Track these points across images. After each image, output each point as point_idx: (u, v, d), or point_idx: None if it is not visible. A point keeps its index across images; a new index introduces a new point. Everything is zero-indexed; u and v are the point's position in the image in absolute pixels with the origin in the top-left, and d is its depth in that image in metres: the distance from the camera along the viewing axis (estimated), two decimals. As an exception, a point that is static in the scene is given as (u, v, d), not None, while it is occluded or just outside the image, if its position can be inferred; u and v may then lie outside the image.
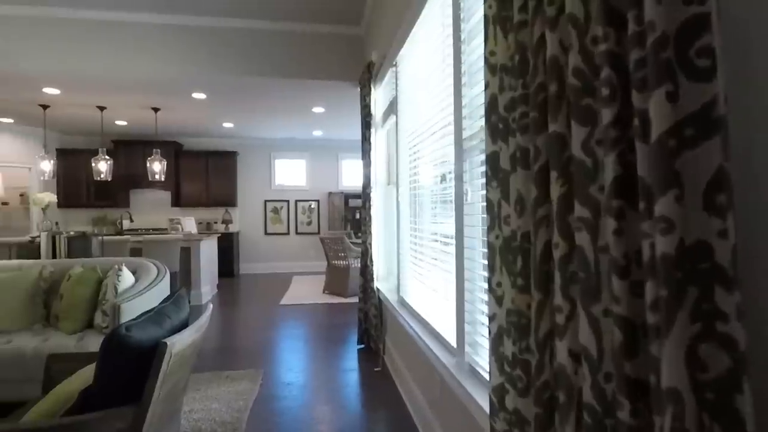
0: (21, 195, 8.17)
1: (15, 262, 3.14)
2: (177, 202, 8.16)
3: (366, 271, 3.86)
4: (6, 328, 2.74)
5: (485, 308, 1.74)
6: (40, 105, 5.74)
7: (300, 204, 8.84)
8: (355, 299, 5.83)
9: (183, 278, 5.77)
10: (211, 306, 1.87)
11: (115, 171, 7.83)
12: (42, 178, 5.85)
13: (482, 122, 1.71)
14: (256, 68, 4.57)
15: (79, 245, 4.17)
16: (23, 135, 7.17)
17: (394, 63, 3.15)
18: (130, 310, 2.62)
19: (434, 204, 2.44)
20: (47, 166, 5.83)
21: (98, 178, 6.00)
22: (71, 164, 7.83)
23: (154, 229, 7.74)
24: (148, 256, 5.32)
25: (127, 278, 2.82)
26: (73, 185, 7.85)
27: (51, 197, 5.85)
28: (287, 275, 8.30)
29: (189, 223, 6.38)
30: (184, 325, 1.66)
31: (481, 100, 1.69)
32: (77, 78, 4.69)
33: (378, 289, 3.77)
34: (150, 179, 6.01)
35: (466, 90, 1.78)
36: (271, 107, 6.07)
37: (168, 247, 5.47)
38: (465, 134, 1.80)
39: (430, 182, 2.53)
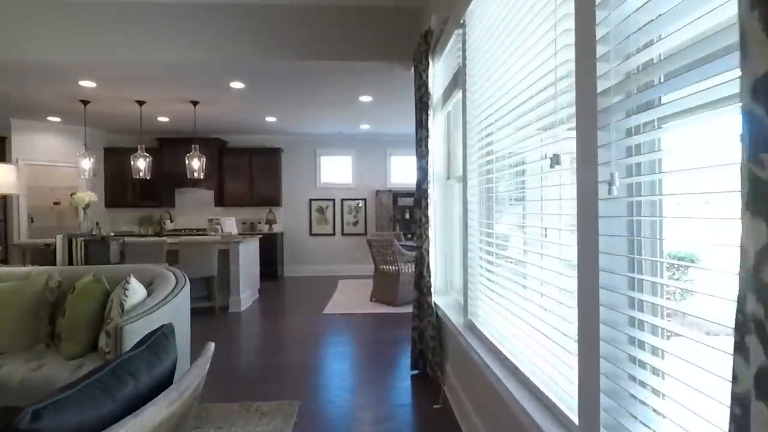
0: (71, 195, 8.22)
1: (24, 269, 2.77)
2: (220, 201, 7.90)
3: (422, 283, 3.20)
4: (4, 349, 2.34)
5: (641, 373, 1.03)
6: (81, 101, 5.57)
7: (346, 203, 8.33)
8: (406, 309, 5.19)
9: (221, 283, 5.38)
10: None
11: (159, 169, 7.69)
12: (83, 176, 5.68)
13: (638, 59, 1.01)
14: (294, 50, 4.04)
15: (98, 249, 3.81)
16: (70, 134, 7.13)
17: (461, 22, 2.47)
18: (137, 332, 2.12)
19: (528, 199, 1.74)
20: (87, 164, 5.65)
21: (137, 176, 5.76)
22: (117, 163, 7.75)
23: (197, 230, 7.51)
24: (185, 259, 4.97)
25: (136, 291, 2.34)
26: (120, 184, 7.78)
27: (92, 196, 5.66)
28: (332, 279, 7.81)
29: (229, 223, 6.03)
30: (161, 386, 1.08)
31: (638, 18, 0.99)
32: (111, 67, 4.39)
33: (435, 304, 3.11)
34: (189, 177, 5.68)
35: (602, 11, 1.08)
36: (315, 98, 5.56)
37: (205, 250, 5.09)
38: (602, 85, 1.10)
39: (518, 171, 1.83)
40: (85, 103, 5.61)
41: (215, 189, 7.79)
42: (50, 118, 6.61)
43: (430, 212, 3.16)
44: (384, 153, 8.37)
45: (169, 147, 7.72)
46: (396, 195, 8.20)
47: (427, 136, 3.11)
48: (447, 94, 3.08)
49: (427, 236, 3.15)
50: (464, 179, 2.57)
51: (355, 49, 4.09)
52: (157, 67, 4.42)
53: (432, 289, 3.15)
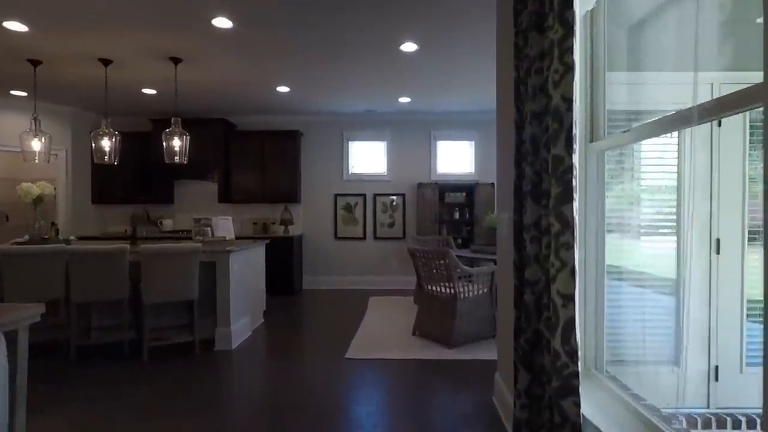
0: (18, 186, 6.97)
1: None
2: (226, 196, 6.43)
3: (546, 353, 1.50)
4: None
5: None
6: (29, 60, 4.18)
7: (380, 199, 6.68)
8: (467, 354, 3.49)
9: (205, 309, 3.86)
10: None
11: (154, 157, 6.31)
12: (35, 160, 4.29)
13: None
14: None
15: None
16: (47, 113, 5.81)
17: None
18: None
19: None
20: (37, 145, 4.25)
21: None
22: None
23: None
24: (151, 276, 3.47)
25: None
26: (109, 176, 6.44)
27: (45, 188, 4.26)
28: (362, 294, 6.18)
29: (224, 224, 4.52)
30: None
31: None
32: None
33: (584, 419, 1.40)
34: (168, 161, 4.19)
35: None
36: (337, 49, 3.93)
37: (180, 263, 3.57)
38: None
39: None
40: (35, 63, 4.22)
41: (220, 181, 6.33)
42: (14, 92, 5.31)
43: (577, 205, 1.43)
44: (428, 136, 6.66)
45: (164, 129, 6.30)
46: (442, 189, 6.49)
47: (570, 39, 1.39)
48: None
49: (567, 251, 1.43)
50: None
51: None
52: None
53: (575, 373, 1.43)
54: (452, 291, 3.80)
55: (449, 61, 4.26)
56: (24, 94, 5.38)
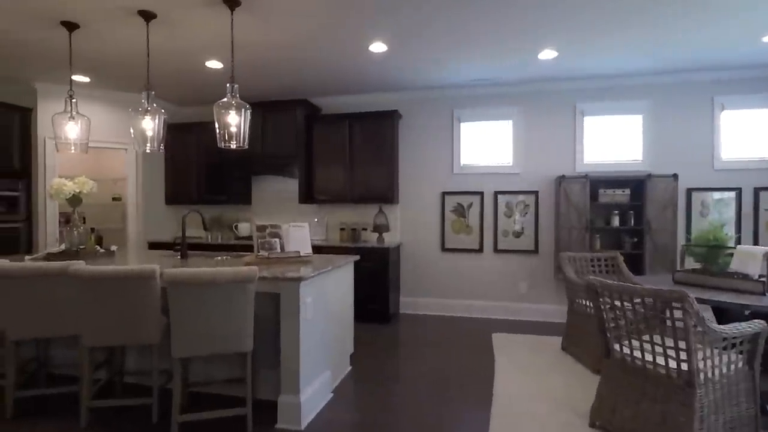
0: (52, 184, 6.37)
1: None
2: (308, 195, 5.24)
3: None
4: None
5: None
6: (63, 23, 3.27)
7: (503, 199, 5.00)
8: None
9: (264, 365, 2.57)
10: None
11: (226, 151, 5.33)
12: (72, 150, 3.37)
13: None
14: None
15: None
16: (109, 101, 5.11)
17: None
18: None
19: None
20: (73, 131, 3.32)
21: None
22: (181, 145, 5.61)
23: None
24: (182, 317, 2.24)
25: None
26: (183, 174, 5.63)
27: (84, 184, 3.32)
28: (478, 326, 4.57)
29: (298, 234, 3.24)
30: None
31: None
32: None
33: None
34: (221, 142, 2.98)
35: None
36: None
37: (224, 298, 2.31)
38: None
39: None
40: (70, 27, 3.30)
41: (301, 177, 5.15)
42: (77, 78, 4.61)
43: None
44: (571, 111, 4.82)
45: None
46: (595, 184, 4.61)
47: None
48: None
49: None
50: None
51: None
52: None
53: None
54: (686, 366, 2.04)
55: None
56: (86, 79, 4.66)
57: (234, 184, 5.47)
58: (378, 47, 3.77)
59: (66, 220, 3.75)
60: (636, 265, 4.37)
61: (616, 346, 2.39)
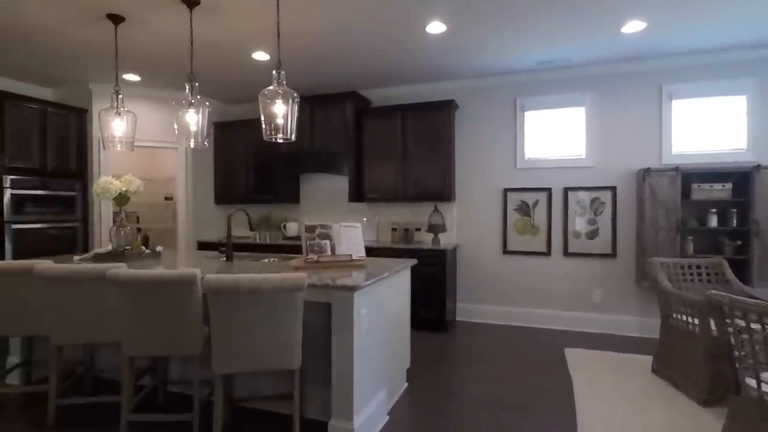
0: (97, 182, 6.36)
1: None
2: (358, 194, 4.94)
3: None
4: None
5: None
6: (108, 16, 3.15)
7: (574, 196, 4.46)
8: None
9: (312, 382, 2.28)
10: None
11: (276, 148, 5.17)
12: (117, 147, 3.26)
13: None
14: None
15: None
16: (157, 100, 5.06)
17: None
18: None
19: None
20: (119, 128, 3.20)
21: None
22: (229, 143, 5.51)
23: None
24: (223, 329, 1.99)
25: None
26: (230, 173, 5.52)
27: (131, 183, 3.20)
28: (546, 338, 4.08)
29: (350, 235, 2.93)
30: None
31: None
32: None
33: None
34: (267, 138, 2.71)
35: None
36: None
37: (270, 308, 2.03)
38: None
39: None
40: (116, 20, 3.18)
41: (351, 174, 4.87)
42: (127, 77, 4.58)
43: None
44: (657, 94, 4.20)
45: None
46: (687, 178, 3.98)
47: None
48: None
49: None
50: None
51: None
52: None
53: None
54: None
55: None
56: (137, 78, 4.62)
57: (281, 182, 5.28)
58: (436, 27, 3.39)
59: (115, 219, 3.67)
60: (740, 273, 3.70)
61: (751, 381, 1.88)
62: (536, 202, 4.57)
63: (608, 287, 4.33)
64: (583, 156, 4.44)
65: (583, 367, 3.36)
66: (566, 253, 4.46)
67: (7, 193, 4.19)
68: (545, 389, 2.98)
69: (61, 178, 4.66)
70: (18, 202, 4.26)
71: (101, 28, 3.35)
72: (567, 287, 4.47)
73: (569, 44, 3.75)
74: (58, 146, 4.63)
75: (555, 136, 4.57)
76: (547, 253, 4.53)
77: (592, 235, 4.39)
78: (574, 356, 3.62)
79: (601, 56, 4.06)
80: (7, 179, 4.19)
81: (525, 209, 4.61)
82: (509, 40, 3.66)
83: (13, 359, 3.16)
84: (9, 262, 2.53)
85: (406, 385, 3.03)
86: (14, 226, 4.24)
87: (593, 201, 4.38)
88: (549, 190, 4.52)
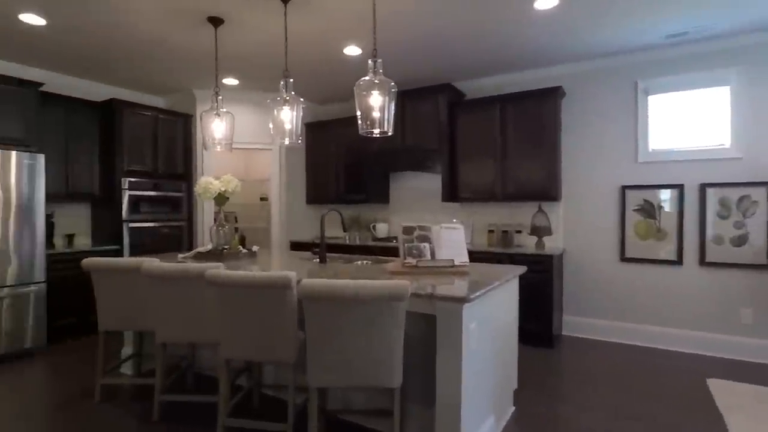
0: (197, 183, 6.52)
1: None
2: (452, 193, 4.63)
3: None
4: None
5: None
6: (209, 19, 3.20)
7: (714, 193, 3.72)
8: None
9: (411, 401, 2.02)
10: None
11: (367, 146, 5.04)
12: (217, 148, 3.32)
13: None
14: None
15: None
16: (252, 103, 5.19)
17: None
18: None
19: None
20: (219, 129, 3.24)
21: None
22: (321, 143, 5.52)
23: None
24: (319, 339, 1.82)
25: None
26: (322, 173, 5.53)
27: (230, 182, 3.24)
28: (679, 361, 3.42)
29: (452, 237, 2.64)
30: None
31: None
32: None
33: None
34: (363, 132, 2.53)
35: None
36: None
37: (369, 316, 1.82)
38: None
39: None
40: (216, 22, 3.23)
41: (444, 172, 4.58)
42: (227, 81, 4.74)
43: None
44: (834, 66, 3.34)
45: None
46: None
47: None
48: None
49: None
50: None
51: None
52: None
53: None
54: None
55: None
56: (235, 82, 4.78)
57: (371, 182, 5.14)
58: (546, 2, 2.97)
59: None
60: None
61: None
62: (663, 202, 3.90)
63: (762, 305, 3.54)
64: (727, 145, 3.68)
65: (738, 406, 2.71)
66: (703, 262, 3.74)
67: (126, 195, 4.54)
68: (684, 426, 2.43)
69: (169, 180, 4.97)
70: (134, 202, 4.61)
71: (203, 32, 3.44)
72: (704, 303, 3.75)
73: (717, 7, 3.09)
74: (167, 150, 4.94)
75: (688, 123, 3.86)
76: (678, 261, 3.84)
77: (740, 241, 3.62)
78: (722, 390, 2.96)
79: (756, 20, 3.31)
80: (126, 181, 4.54)
81: (649, 210, 3.96)
82: (637, 8, 3.11)
83: (127, 350, 3.35)
84: (121, 259, 2.64)
85: (512, 409, 2.67)
86: (131, 225, 4.58)
87: (741, 200, 3.61)
88: (681, 186, 3.82)
